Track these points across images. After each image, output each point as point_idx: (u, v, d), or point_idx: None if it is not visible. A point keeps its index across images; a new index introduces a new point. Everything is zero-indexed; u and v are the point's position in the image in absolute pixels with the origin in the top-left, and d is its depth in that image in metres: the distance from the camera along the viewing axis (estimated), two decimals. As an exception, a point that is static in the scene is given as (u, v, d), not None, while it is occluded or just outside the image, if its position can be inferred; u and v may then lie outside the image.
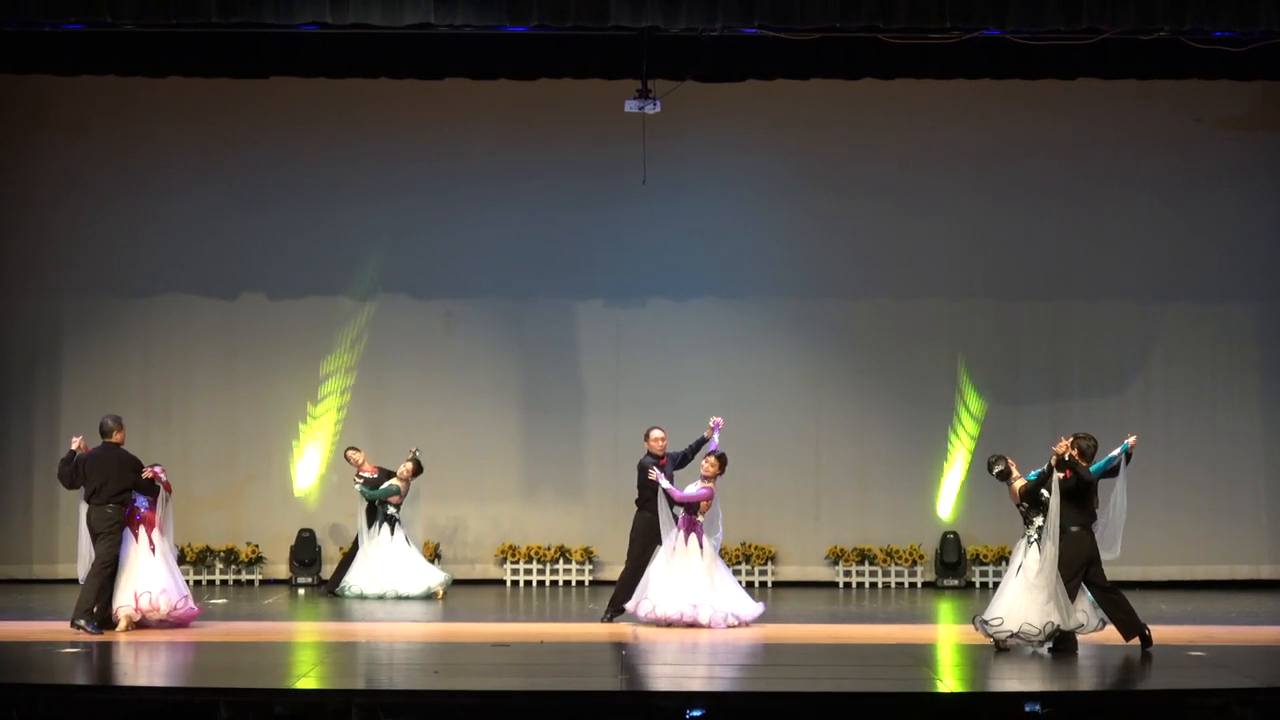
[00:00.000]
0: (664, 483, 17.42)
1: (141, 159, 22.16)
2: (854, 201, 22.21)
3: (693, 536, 17.38)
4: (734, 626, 17.21)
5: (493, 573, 22.23)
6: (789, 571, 22.18)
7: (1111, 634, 15.63)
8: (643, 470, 17.73)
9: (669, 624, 17.15)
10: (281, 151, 22.20)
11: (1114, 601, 15.52)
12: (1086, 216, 22.21)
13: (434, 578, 20.44)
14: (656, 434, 18.04)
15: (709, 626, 17.07)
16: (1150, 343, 22.30)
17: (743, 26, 18.26)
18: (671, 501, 17.47)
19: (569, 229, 22.24)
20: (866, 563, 22.10)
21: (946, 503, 22.12)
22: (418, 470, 20.63)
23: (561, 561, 22.12)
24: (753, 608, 17.57)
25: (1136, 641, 15.49)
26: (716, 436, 17.85)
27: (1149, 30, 18.33)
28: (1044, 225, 22.22)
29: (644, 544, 17.70)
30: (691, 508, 17.40)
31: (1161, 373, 22.28)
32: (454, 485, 22.15)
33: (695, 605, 17.18)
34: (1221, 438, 22.23)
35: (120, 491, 16.72)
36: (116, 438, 16.94)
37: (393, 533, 20.41)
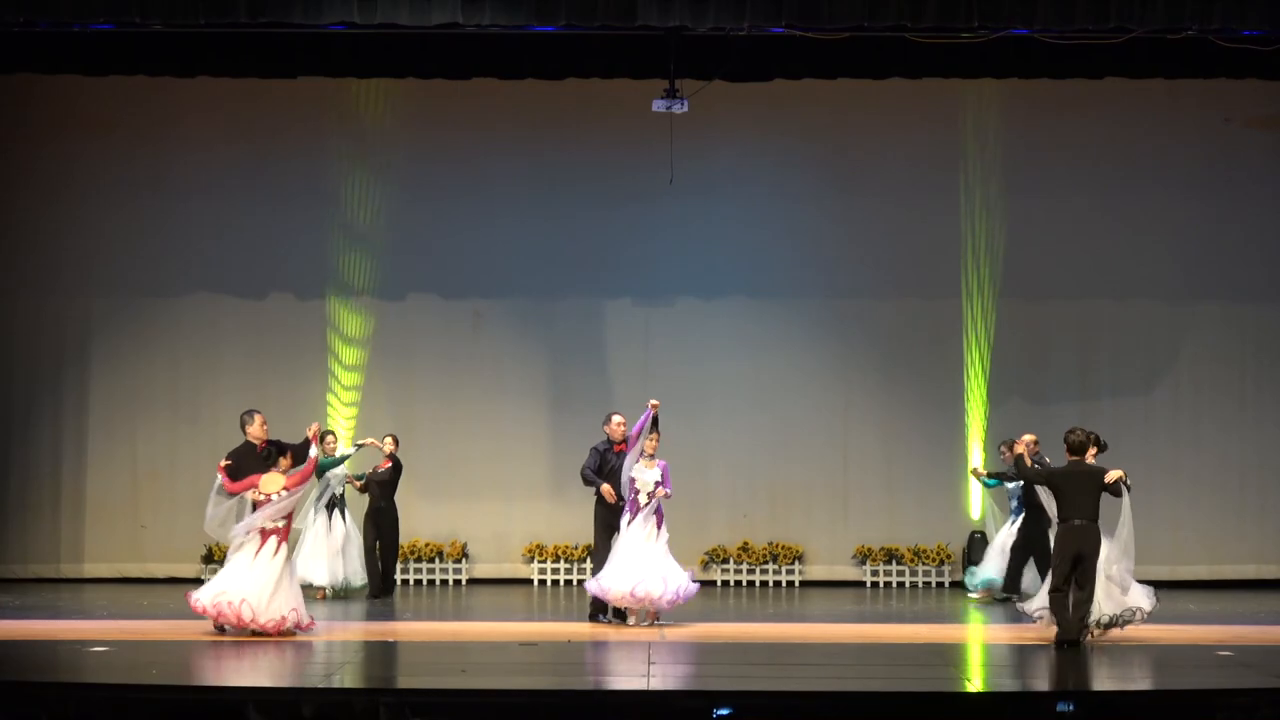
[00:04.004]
0: (628, 462, 17.23)
1: (170, 158, 22.21)
2: (881, 201, 22.19)
3: (654, 517, 17.26)
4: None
5: (520, 571, 22.25)
6: (816, 571, 22.15)
7: (1135, 633, 15.78)
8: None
9: (658, 603, 17.08)
10: (310, 151, 22.21)
11: (1059, 600, 15.58)
12: (1114, 216, 22.18)
13: (328, 576, 19.98)
14: (617, 419, 17.77)
15: (674, 601, 17.12)
16: (1178, 342, 22.25)
17: (770, 26, 18.25)
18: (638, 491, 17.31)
19: (597, 228, 22.25)
20: (894, 562, 22.08)
21: (974, 503, 22.08)
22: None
23: (589, 561, 22.09)
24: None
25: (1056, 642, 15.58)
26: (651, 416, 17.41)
27: (1177, 29, 18.31)
28: (1072, 224, 22.18)
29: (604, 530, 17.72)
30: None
31: (1190, 372, 22.23)
32: (481, 484, 22.21)
33: (664, 579, 17.08)
34: (1249, 437, 22.18)
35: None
36: (246, 432, 16.98)
37: (330, 519, 20.15)
